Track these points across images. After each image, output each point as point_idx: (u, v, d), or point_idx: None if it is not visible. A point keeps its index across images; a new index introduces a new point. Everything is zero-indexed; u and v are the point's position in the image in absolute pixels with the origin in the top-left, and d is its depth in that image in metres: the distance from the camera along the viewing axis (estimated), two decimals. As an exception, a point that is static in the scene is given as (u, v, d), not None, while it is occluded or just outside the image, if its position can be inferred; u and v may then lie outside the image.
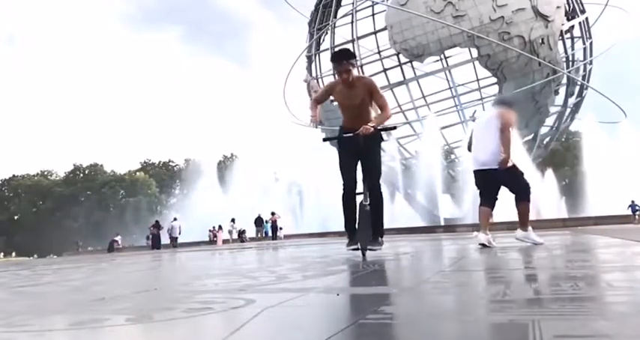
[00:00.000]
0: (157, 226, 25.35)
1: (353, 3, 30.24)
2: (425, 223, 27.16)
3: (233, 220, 28.31)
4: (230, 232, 28.01)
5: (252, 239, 27.13)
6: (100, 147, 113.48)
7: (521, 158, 26.19)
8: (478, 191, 5.50)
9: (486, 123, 5.39)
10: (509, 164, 5.18)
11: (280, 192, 39.41)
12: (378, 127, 4.21)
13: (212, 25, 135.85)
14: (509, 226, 17.83)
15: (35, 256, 51.38)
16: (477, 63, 27.15)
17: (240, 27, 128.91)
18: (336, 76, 4.30)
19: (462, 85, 30.29)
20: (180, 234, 24.82)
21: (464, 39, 25.77)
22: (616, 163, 26.01)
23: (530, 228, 5.25)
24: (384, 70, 30.68)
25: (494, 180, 5.28)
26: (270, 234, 27.34)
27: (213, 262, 6.32)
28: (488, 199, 5.38)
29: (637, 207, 22.79)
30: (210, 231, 28.44)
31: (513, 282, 2.34)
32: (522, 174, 5.36)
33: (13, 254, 57.82)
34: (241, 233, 28.02)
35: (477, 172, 5.42)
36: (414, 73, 29.77)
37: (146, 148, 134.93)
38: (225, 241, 26.68)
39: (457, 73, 29.34)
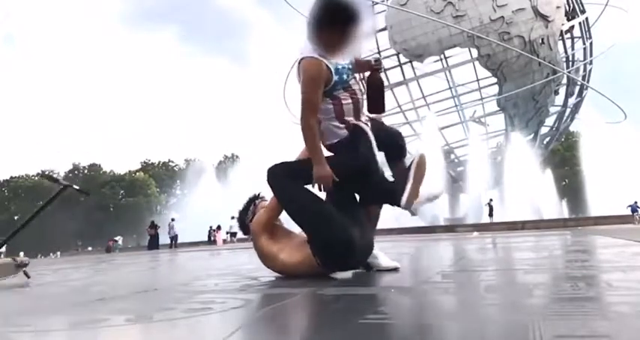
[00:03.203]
0: (154, 226, 25.29)
1: (353, 3, 30.22)
2: (425, 223, 27.13)
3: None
4: None
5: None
6: (99, 147, 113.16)
7: (526, 156, 26.24)
8: None
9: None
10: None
11: None
12: None
13: (211, 25, 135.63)
14: (509, 226, 17.92)
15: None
16: (477, 63, 27.12)
17: (239, 26, 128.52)
18: None
19: (462, 85, 30.22)
20: (177, 234, 24.86)
21: (464, 39, 25.75)
22: (616, 163, 25.97)
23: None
24: (384, 70, 30.56)
25: None
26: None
27: (212, 262, 6.31)
28: None
29: (637, 208, 22.74)
30: (209, 231, 28.41)
31: (513, 282, 2.34)
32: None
33: (21, 254, 57.29)
34: None
35: None
36: (414, 73, 29.72)
37: (146, 148, 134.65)
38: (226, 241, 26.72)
39: (457, 73, 29.26)
